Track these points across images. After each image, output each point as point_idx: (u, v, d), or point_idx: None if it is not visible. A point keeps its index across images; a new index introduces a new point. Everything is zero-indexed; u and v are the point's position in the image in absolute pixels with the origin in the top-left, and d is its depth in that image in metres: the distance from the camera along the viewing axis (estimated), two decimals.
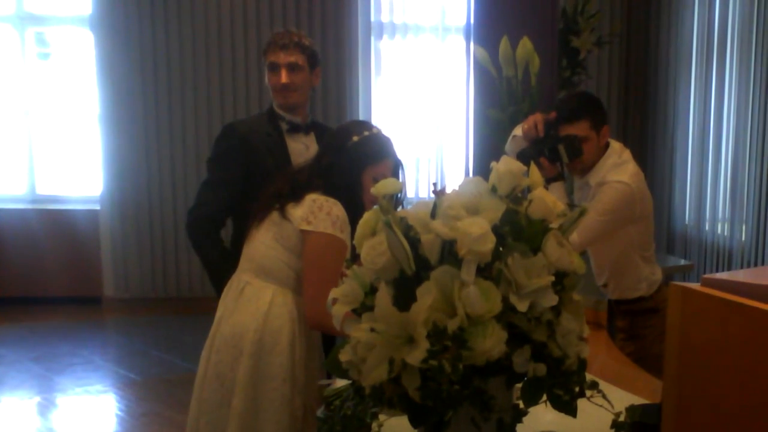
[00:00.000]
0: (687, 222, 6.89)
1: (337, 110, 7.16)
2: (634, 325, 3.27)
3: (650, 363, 2.95)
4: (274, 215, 2.63)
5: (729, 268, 5.99)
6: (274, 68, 3.32)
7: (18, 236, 7.27)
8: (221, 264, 3.20)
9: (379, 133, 2.71)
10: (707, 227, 6.50)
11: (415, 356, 1.33)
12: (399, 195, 2.66)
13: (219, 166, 3.35)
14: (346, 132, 2.71)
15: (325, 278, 2.46)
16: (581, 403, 1.52)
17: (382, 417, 1.63)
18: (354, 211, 2.56)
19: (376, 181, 2.59)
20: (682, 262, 6.14)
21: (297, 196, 2.60)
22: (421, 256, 1.42)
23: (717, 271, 6.11)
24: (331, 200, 2.56)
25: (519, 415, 1.49)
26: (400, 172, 2.76)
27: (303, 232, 2.55)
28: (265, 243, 2.64)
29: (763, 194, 5.65)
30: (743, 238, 5.89)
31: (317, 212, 2.54)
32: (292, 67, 3.30)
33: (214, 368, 2.61)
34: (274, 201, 2.65)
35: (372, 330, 1.38)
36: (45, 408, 5.05)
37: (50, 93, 7.55)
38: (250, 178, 3.24)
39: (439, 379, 1.32)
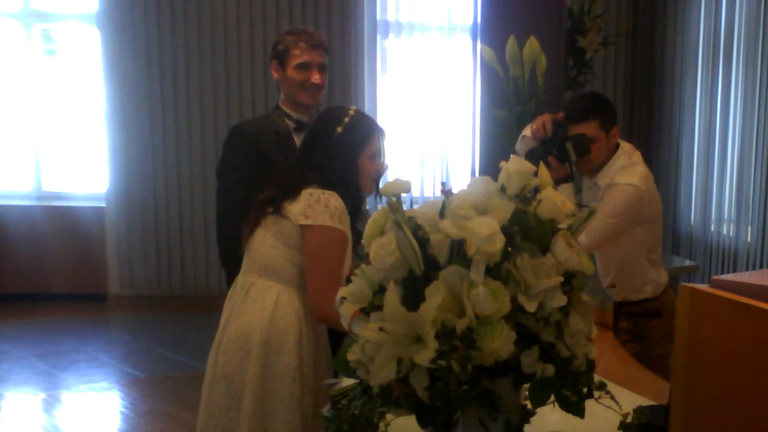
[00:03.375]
0: (692, 223, 6.87)
1: None
2: (638, 326, 3.26)
3: (653, 364, 2.95)
4: (270, 217, 2.62)
5: (734, 270, 5.97)
6: (307, 67, 3.26)
7: (24, 233, 7.28)
8: None
9: (357, 112, 2.70)
10: (713, 228, 6.48)
11: (424, 356, 1.33)
12: (381, 171, 2.67)
13: (234, 170, 3.28)
14: (328, 124, 2.67)
15: (328, 270, 2.48)
16: (588, 404, 1.52)
17: (389, 417, 1.63)
18: (354, 198, 2.58)
19: (372, 158, 2.62)
20: (687, 262, 6.12)
21: (292, 195, 2.58)
22: (430, 256, 1.42)
23: (722, 272, 6.09)
24: (328, 192, 2.55)
25: (527, 416, 1.49)
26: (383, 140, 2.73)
27: (302, 227, 2.54)
28: (265, 242, 2.63)
29: None
30: (749, 239, 5.87)
31: (315, 205, 2.52)
32: (323, 68, 3.29)
33: (222, 370, 2.60)
34: (268, 206, 2.63)
35: (380, 329, 1.38)
36: (49, 405, 5.06)
37: (56, 90, 7.55)
38: (264, 179, 3.18)
39: (448, 379, 1.32)
